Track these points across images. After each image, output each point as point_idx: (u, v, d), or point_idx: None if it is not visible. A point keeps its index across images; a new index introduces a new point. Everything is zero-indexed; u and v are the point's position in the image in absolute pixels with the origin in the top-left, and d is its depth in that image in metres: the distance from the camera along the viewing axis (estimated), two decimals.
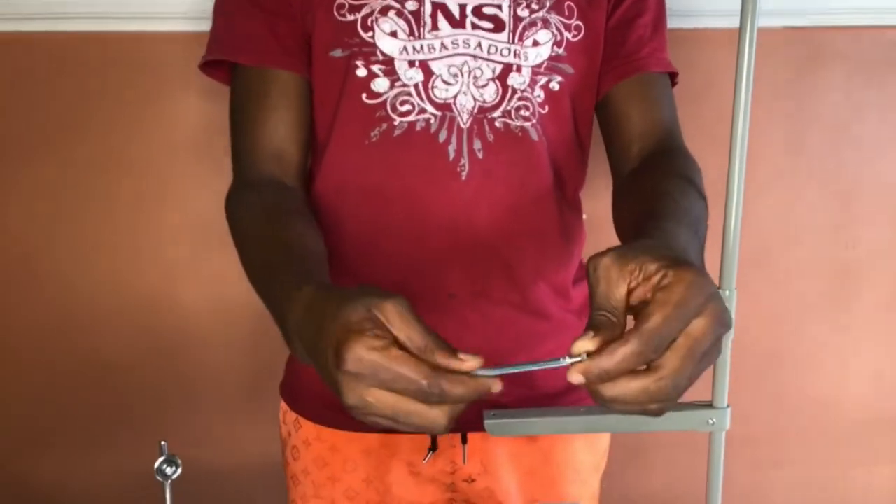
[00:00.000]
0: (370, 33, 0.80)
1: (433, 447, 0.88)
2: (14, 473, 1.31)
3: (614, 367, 0.50)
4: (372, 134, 0.81)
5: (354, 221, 0.85)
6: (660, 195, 0.72)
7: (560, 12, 0.83)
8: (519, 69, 0.81)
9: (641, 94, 0.85)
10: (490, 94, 0.81)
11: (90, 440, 1.30)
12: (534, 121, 0.82)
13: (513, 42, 0.81)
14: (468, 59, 0.80)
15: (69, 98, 1.17)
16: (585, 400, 0.93)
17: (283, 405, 0.96)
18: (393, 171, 0.82)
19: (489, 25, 0.81)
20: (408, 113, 0.80)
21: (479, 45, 0.81)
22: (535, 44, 0.82)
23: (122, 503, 1.31)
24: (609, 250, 0.54)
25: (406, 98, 0.80)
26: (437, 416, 0.52)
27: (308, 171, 0.88)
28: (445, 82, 0.80)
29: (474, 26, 0.80)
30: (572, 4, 0.84)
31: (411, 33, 0.80)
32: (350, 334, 0.51)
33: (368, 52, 0.80)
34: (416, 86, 0.80)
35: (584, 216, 0.95)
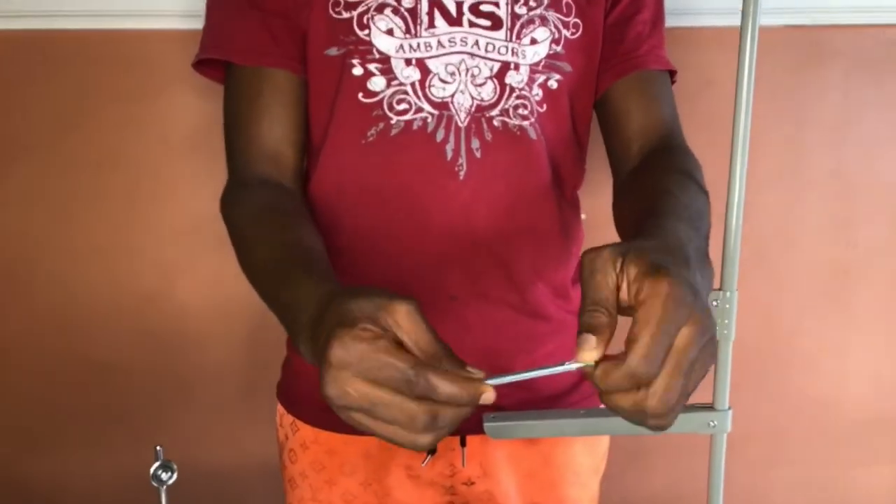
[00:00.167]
0: (366, 31, 0.79)
1: (432, 450, 0.88)
2: (10, 476, 1.31)
3: (607, 389, 0.50)
4: (368, 133, 0.80)
5: (351, 222, 0.84)
6: (660, 192, 0.71)
7: (558, 10, 0.82)
8: (517, 67, 0.80)
9: (640, 92, 0.85)
10: (488, 92, 0.80)
11: (87, 442, 1.30)
12: (532, 119, 0.81)
13: (510, 40, 0.80)
14: (465, 57, 0.80)
15: (64, 96, 1.17)
16: (585, 402, 0.93)
17: (280, 408, 0.96)
18: (390, 172, 0.81)
19: (486, 23, 0.80)
20: (405, 112, 0.79)
21: (477, 43, 0.80)
22: (533, 42, 0.81)
23: None
24: (602, 247, 0.53)
25: (403, 97, 0.79)
26: (416, 411, 0.48)
27: (304, 173, 0.87)
28: (443, 81, 0.79)
29: (471, 24, 0.80)
30: (570, 2, 0.83)
31: (408, 31, 0.79)
32: (342, 326, 0.50)
33: (364, 50, 0.79)
34: (412, 84, 0.79)
35: (583, 215, 0.94)
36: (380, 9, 0.79)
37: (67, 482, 1.31)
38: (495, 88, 0.80)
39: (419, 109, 0.79)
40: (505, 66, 0.80)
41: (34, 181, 1.20)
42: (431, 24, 0.79)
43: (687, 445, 1.28)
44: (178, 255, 1.24)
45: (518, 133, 0.81)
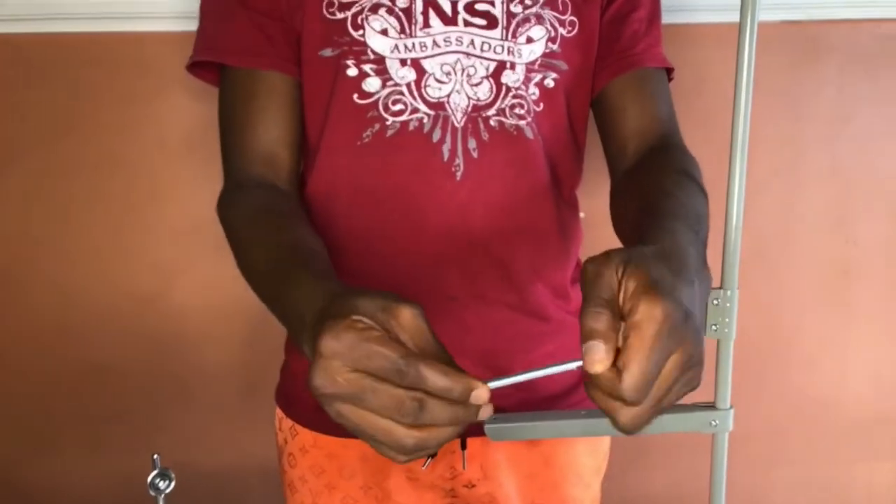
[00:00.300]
0: (360, 32, 0.78)
1: (432, 454, 0.87)
2: (7, 479, 1.30)
3: (595, 387, 0.50)
4: (364, 135, 0.80)
5: (348, 224, 0.84)
6: (658, 192, 0.70)
7: (554, 8, 0.82)
8: (513, 66, 0.80)
9: (637, 90, 0.84)
10: (484, 92, 0.80)
11: (85, 444, 1.30)
12: (529, 119, 0.81)
13: (506, 39, 0.80)
14: (461, 56, 0.79)
15: (61, 99, 1.17)
16: (585, 402, 0.92)
17: (279, 412, 0.95)
18: (386, 173, 0.80)
19: (482, 22, 0.80)
20: (400, 112, 0.79)
21: (472, 42, 0.79)
22: (529, 40, 0.80)
23: None
24: (605, 253, 0.53)
25: (398, 97, 0.79)
26: (403, 396, 0.47)
27: (300, 174, 0.87)
28: (438, 81, 0.79)
29: (467, 23, 0.79)
30: (566, 0, 0.82)
31: (402, 31, 0.78)
32: (335, 318, 0.49)
33: (359, 50, 0.78)
34: (408, 85, 0.79)
35: (582, 214, 0.94)
36: (374, 9, 0.78)
37: (65, 485, 1.31)
38: (491, 88, 0.80)
39: (415, 110, 0.79)
40: (501, 66, 0.80)
41: (32, 183, 1.20)
42: (426, 24, 0.79)
43: (688, 445, 1.28)
44: (176, 257, 1.24)
45: (515, 132, 0.81)
